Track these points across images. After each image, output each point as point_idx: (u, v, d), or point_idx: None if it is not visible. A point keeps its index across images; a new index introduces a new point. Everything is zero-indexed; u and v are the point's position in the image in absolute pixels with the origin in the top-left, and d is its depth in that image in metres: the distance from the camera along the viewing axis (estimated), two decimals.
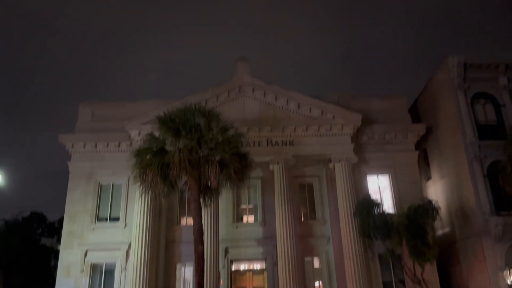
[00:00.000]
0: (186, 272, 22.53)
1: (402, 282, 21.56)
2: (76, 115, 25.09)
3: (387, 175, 24.02)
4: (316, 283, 22.90)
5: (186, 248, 20.99)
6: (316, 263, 23.17)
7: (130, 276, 20.89)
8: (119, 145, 23.70)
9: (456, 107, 23.37)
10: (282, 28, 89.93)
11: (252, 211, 24.23)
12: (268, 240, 22.79)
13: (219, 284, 21.38)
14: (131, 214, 22.34)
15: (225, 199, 22.60)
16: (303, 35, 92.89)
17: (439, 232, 24.09)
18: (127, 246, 22.01)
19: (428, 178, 26.29)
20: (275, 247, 21.91)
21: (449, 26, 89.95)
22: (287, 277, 20.55)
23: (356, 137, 23.83)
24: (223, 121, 17.41)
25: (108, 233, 22.58)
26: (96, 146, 23.68)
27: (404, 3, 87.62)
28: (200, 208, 16.65)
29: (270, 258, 22.69)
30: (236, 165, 16.55)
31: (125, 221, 22.69)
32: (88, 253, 22.13)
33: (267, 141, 23.23)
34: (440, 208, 20.25)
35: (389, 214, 20.56)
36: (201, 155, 16.58)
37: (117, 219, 23.00)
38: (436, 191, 25.16)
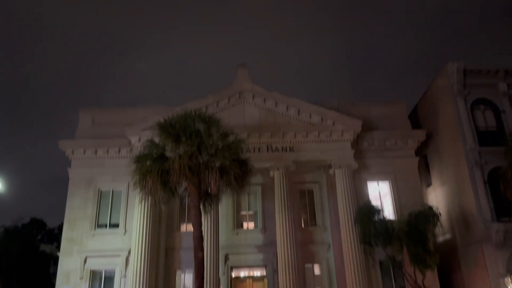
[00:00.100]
0: (186, 279, 22.40)
1: None
2: (77, 121, 25.11)
3: (388, 181, 23.99)
4: None
5: (186, 254, 20.97)
6: (317, 270, 23.08)
7: (129, 283, 20.78)
8: (119, 151, 23.69)
9: (456, 113, 23.38)
10: (282, 28, 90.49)
11: (252, 218, 24.17)
12: (268, 246, 22.71)
13: None
14: (131, 221, 22.27)
15: (225, 206, 22.54)
16: (303, 38, 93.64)
17: (440, 238, 24.01)
18: (126, 253, 21.92)
19: (429, 184, 26.24)
20: (275, 253, 21.81)
21: (449, 32, 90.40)
22: (287, 284, 20.44)
23: (356, 143, 23.83)
24: (223, 127, 17.42)
25: (108, 239, 22.51)
26: (96, 152, 23.67)
27: (405, 9, 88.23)
28: (200, 214, 16.61)
29: (271, 264, 22.59)
30: (236, 171, 16.53)
31: (125, 227, 22.62)
32: (88, 260, 22.03)
33: (267, 147, 23.23)
34: (440, 214, 20.22)
35: (389, 221, 20.49)
36: (201, 161, 16.58)
37: (116, 225, 22.94)
38: (436, 197, 25.10)
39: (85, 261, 21.98)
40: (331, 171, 23.18)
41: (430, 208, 20.09)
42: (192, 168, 16.04)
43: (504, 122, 23.28)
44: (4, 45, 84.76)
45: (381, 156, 24.20)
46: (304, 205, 24.34)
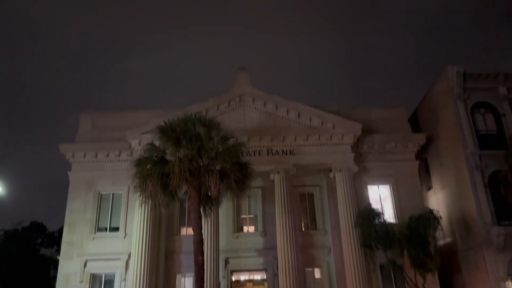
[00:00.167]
0: (186, 283, 22.33)
1: None
2: (77, 124, 25.15)
3: (388, 184, 23.97)
4: None
5: (186, 258, 20.95)
6: (317, 274, 23.02)
7: (130, 287, 20.73)
8: (119, 154, 23.70)
9: (456, 116, 23.40)
10: (282, 29, 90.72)
11: (253, 221, 24.14)
12: (268, 250, 22.66)
13: None
14: (131, 224, 22.24)
15: (225, 209, 22.52)
16: (303, 39, 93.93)
17: (441, 242, 23.94)
18: (126, 256, 21.87)
19: (429, 188, 26.22)
20: (275, 257, 21.76)
21: (449, 34, 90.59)
22: None
23: (356, 147, 23.84)
24: (224, 131, 17.43)
25: (108, 243, 22.47)
26: (96, 155, 23.68)
27: (405, 12, 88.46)
28: (200, 218, 16.60)
29: (271, 268, 22.53)
30: (237, 174, 16.54)
31: (125, 231, 22.59)
32: (88, 263, 21.99)
33: (267, 150, 23.22)
34: (441, 218, 20.23)
35: (390, 224, 20.46)
36: (201, 165, 16.59)
37: (117, 229, 22.90)
38: (437, 201, 25.07)
39: (85, 264, 21.94)
40: (331, 175, 23.17)
41: (431, 211, 20.08)
42: (193, 171, 16.04)
43: (504, 126, 23.28)
44: (3, 46, 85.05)
45: (382, 159, 24.19)
46: (304, 208, 24.31)
